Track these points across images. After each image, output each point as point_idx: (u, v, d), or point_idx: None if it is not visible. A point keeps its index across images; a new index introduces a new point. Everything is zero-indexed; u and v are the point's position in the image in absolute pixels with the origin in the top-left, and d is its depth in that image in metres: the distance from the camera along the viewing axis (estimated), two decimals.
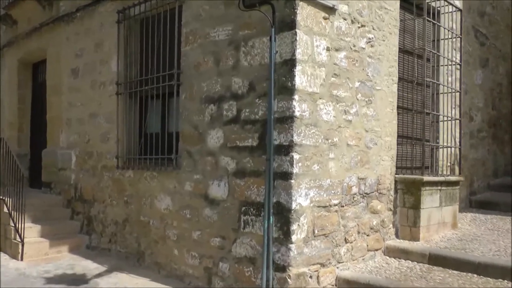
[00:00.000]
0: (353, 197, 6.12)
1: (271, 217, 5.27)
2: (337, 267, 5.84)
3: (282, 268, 5.22)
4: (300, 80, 5.30)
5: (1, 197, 8.51)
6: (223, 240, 5.86)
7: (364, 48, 6.29)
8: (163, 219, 6.70)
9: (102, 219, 7.94)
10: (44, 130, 10.52)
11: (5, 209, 8.36)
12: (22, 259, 7.53)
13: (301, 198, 5.31)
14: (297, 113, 5.25)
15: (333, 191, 5.77)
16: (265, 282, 5.23)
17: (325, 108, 5.66)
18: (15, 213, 7.99)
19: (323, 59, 5.62)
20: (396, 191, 6.88)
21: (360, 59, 6.22)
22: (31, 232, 7.87)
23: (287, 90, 5.27)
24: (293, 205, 5.21)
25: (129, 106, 7.50)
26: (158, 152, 6.91)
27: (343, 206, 5.94)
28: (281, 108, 5.29)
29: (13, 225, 7.90)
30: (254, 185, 5.55)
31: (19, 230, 7.64)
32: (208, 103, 6.11)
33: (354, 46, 6.12)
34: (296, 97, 5.24)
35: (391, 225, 6.83)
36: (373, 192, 6.43)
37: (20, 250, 7.52)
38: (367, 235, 6.38)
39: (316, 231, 5.53)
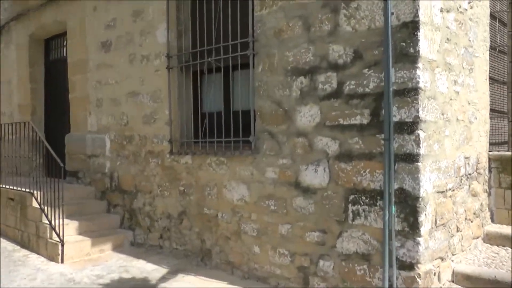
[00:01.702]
0: (461, 179, 5.23)
1: (392, 207, 4.34)
2: (452, 260, 4.91)
3: (409, 265, 4.35)
4: (423, 45, 4.29)
5: (29, 191, 7.29)
6: (323, 235, 4.89)
7: (466, 10, 5.32)
8: (236, 211, 5.68)
9: (150, 212, 6.86)
10: (63, 113, 9.40)
11: (35, 204, 7.19)
12: (62, 261, 6.50)
13: (427, 184, 4.43)
14: (421, 84, 4.29)
15: (448, 174, 4.91)
16: (387, 282, 4.32)
17: (441, 78, 4.72)
18: (48, 208, 6.79)
19: (439, 21, 4.70)
20: (490, 170, 5.93)
21: (464, 22, 5.27)
22: (68, 229, 6.84)
23: (409, 58, 4.34)
24: (421, 192, 4.29)
25: (182, 82, 6.33)
26: (222, 134, 5.93)
27: (453, 190, 5.04)
28: (401, 79, 4.34)
29: (47, 222, 6.80)
30: (365, 170, 4.61)
31: (57, 228, 6.52)
32: (296, 75, 5.09)
33: (460, 7, 5.20)
34: (420, 65, 4.32)
35: (487, 209, 5.92)
36: (473, 173, 5.55)
37: (59, 251, 6.48)
38: (471, 221, 5.48)
39: (438, 221, 4.66)
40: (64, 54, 9.78)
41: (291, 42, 5.19)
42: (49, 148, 7.06)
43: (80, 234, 7.02)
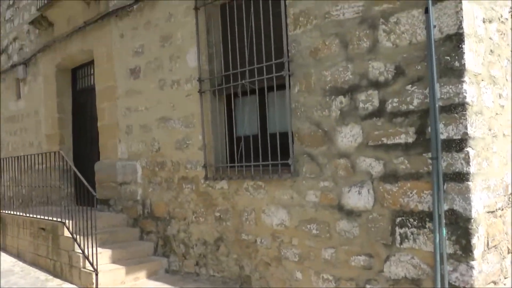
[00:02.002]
0: (509, 198, 4.96)
1: (443, 229, 4.16)
2: (504, 284, 4.67)
3: None
4: (468, 58, 4.14)
5: (60, 220, 7.21)
6: (369, 259, 4.71)
7: (507, 19, 5.14)
8: (276, 236, 5.52)
9: (184, 239, 6.73)
10: (92, 141, 9.38)
11: (67, 233, 7.11)
12: None
13: (478, 204, 4.24)
14: (468, 99, 4.13)
15: (497, 192, 4.71)
16: None
17: (486, 92, 4.55)
18: (80, 237, 6.70)
19: (482, 32, 4.56)
20: None
21: (506, 32, 5.09)
22: (102, 258, 6.74)
23: (454, 72, 4.20)
24: (473, 213, 4.09)
25: (215, 105, 6.24)
26: (258, 157, 5.82)
27: (502, 210, 4.81)
28: (447, 94, 4.19)
29: (80, 251, 6.70)
30: (412, 191, 4.44)
31: (90, 257, 6.43)
32: (335, 95, 4.95)
33: (501, 16, 5.03)
34: (466, 79, 4.16)
35: None
36: None
37: (94, 281, 6.37)
38: None
39: (489, 243, 4.44)
40: (91, 83, 9.81)
41: (328, 61, 5.07)
42: (80, 176, 7.00)
43: (113, 262, 6.91)
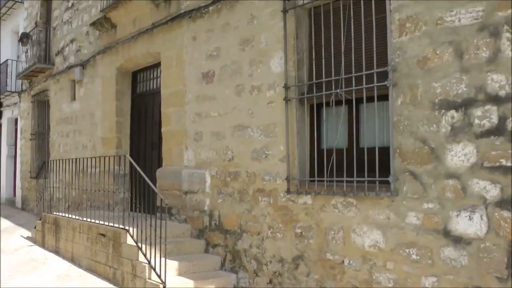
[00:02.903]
0: None
1: None
2: None
3: None
4: None
5: (123, 227, 6.99)
6: None
7: None
8: (368, 259, 5.16)
9: (257, 254, 6.42)
10: (152, 147, 9.27)
11: (130, 241, 6.88)
12: None
13: None
14: None
15: None
16: None
17: None
18: (144, 246, 6.45)
19: None
20: None
21: None
22: (167, 269, 6.40)
23: None
24: None
25: (300, 115, 5.93)
26: (347, 172, 5.52)
27: None
28: None
29: (145, 261, 6.43)
30: None
31: (157, 268, 6.13)
32: (446, 109, 4.59)
33: None
34: None
35: None
36: None
37: None
38: None
39: None
40: (153, 87, 9.67)
41: (439, 71, 4.72)
42: (150, 183, 6.77)
43: (180, 275, 6.65)
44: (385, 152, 5.22)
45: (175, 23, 8.24)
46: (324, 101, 5.70)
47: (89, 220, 8.17)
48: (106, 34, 10.56)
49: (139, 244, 6.72)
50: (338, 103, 5.76)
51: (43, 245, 10.14)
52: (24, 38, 14.51)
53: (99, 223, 7.85)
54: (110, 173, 8.82)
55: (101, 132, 10.90)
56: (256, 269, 6.56)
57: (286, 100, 6.08)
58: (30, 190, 15.59)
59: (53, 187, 10.01)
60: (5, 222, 13.62)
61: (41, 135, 14.80)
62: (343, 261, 5.51)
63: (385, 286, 5.09)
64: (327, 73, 5.71)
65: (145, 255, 6.54)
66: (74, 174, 9.22)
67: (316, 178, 5.72)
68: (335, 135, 5.85)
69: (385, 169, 5.15)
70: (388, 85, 5.05)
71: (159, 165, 9.00)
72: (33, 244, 10.36)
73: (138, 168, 6.92)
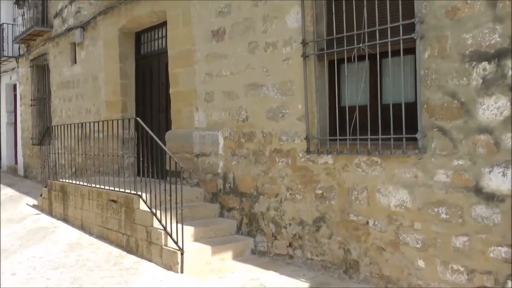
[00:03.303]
0: None
1: None
2: None
3: None
4: None
5: (135, 192, 6.88)
6: None
7: None
8: (394, 219, 5.06)
9: (275, 217, 6.33)
10: (159, 109, 9.17)
11: (143, 207, 6.79)
12: (182, 271, 6.05)
13: None
14: None
15: None
16: None
17: None
18: (159, 212, 6.35)
19: None
20: None
21: None
22: (184, 235, 6.24)
23: None
24: None
25: (319, 71, 5.75)
26: (369, 130, 5.35)
27: None
28: None
29: (161, 227, 6.34)
30: None
31: (174, 235, 6.07)
32: (477, 61, 4.44)
33: None
34: None
35: None
36: None
37: (179, 260, 6.05)
38: None
39: None
40: (159, 47, 9.46)
41: (470, 21, 4.53)
42: (163, 146, 6.68)
43: (196, 240, 6.57)
44: (410, 108, 5.06)
45: None
46: (345, 57, 5.47)
47: (98, 186, 8.04)
48: None
49: (153, 210, 6.60)
50: (359, 58, 5.55)
51: (50, 213, 10.08)
52: (20, 0, 14.13)
53: (109, 189, 7.74)
54: (117, 137, 8.67)
55: (105, 95, 10.72)
56: (275, 232, 6.48)
57: (304, 56, 5.89)
58: (32, 157, 15.48)
59: (58, 153, 9.87)
60: (9, 190, 13.56)
61: (41, 101, 14.60)
62: (367, 222, 5.42)
63: (413, 246, 5.01)
64: (348, 27, 5.49)
65: (160, 221, 6.45)
66: (79, 139, 9.07)
67: (338, 137, 5.57)
68: (356, 92, 5.67)
69: (410, 126, 5.00)
70: (415, 37, 4.86)
71: (167, 128, 8.86)
72: (40, 212, 10.31)
73: (150, 131, 6.77)
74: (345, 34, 5.45)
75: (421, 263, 4.96)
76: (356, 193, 5.50)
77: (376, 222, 5.33)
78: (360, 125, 5.48)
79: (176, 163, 6.24)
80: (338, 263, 5.73)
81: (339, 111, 5.79)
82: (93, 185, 8.20)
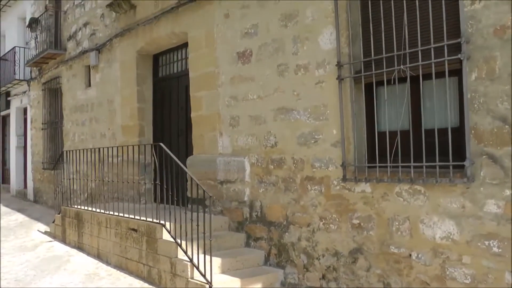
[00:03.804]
0: None
1: None
2: None
3: None
4: None
5: (158, 221, 6.70)
6: None
7: None
8: (440, 252, 4.85)
9: (307, 248, 6.12)
10: (179, 134, 9.08)
11: (166, 236, 6.61)
12: None
13: None
14: None
15: None
16: None
17: None
18: (185, 242, 6.16)
19: None
20: None
21: None
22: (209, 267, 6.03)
23: None
24: None
25: (356, 95, 5.58)
26: (409, 157, 5.17)
27: None
28: None
29: (187, 259, 6.13)
30: None
31: (201, 267, 5.93)
32: None
33: None
34: None
35: None
36: None
37: None
38: None
39: None
40: (177, 70, 9.38)
41: None
42: (189, 172, 6.54)
43: (223, 272, 6.36)
44: (454, 134, 4.86)
45: (204, 1, 7.84)
46: (385, 79, 5.30)
47: (116, 214, 7.86)
48: (124, 16, 10.20)
49: (178, 240, 6.40)
50: (398, 80, 5.38)
51: (63, 240, 9.92)
52: (33, 24, 14.18)
53: (129, 217, 7.55)
54: (134, 162, 8.54)
55: (121, 119, 10.60)
56: (307, 263, 6.26)
57: (340, 79, 5.73)
58: (42, 181, 15.36)
59: (72, 179, 9.73)
60: (20, 216, 13.43)
61: (53, 124, 14.54)
62: (410, 255, 5.19)
63: (461, 282, 4.77)
64: (388, 48, 5.32)
65: (185, 252, 6.26)
66: (96, 164, 8.94)
67: (377, 164, 5.35)
68: (395, 116, 5.47)
69: (455, 153, 4.79)
70: (461, 58, 4.69)
71: (187, 153, 8.70)
72: (52, 240, 10.16)
73: (175, 158, 6.60)
74: (384, 55, 5.28)
75: None
76: (397, 223, 5.29)
77: (419, 255, 5.11)
78: (401, 151, 5.26)
79: (204, 191, 6.08)
80: None
81: (377, 137, 5.57)
82: (111, 212, 8.01)
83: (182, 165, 6.55)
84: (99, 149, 8.69)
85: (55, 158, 14.22)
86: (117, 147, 8.09)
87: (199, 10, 8.05)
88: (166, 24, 8.93)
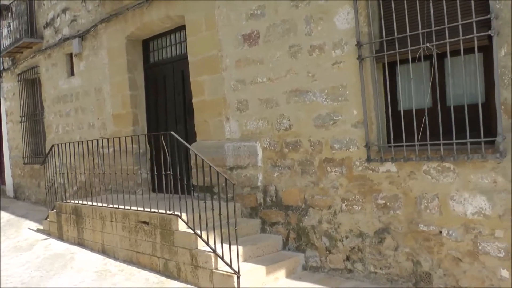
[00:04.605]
0: None
1: None
2: None
3: None
4: None
5: (173, 212, 6.77)
6: None
7: None
8: (471, 228, 5.06)
9: (329, 230, 6.29)
10: (178, 120, 9.14)
11: (183, 227, 6.68)
12: None
13: None
14: None
15: None
16: None
17: None
18: (205, 233, 6.27)
19: None
20: None
21: None
22: (232, 256, 6.12)
23: None
24: None
25: (376, 75, 5.73)
26: (435, 135, 5.34)
27: None
28: None
29: (209, 250, 6.21)
30: None
31: (225, 257, 5.93)
32: None
33: None
34: None
35: None
36: None
37: (235, 284, 5.94)
38: None
39: None
40: (171, 55, 9.40)
41: None
42: (204, 159, 6.52)
43: (245, 261, 6.46)
44: (474, 110, 5.04)
45: None
46: (410, 58, 5.43)
47: (122, 207, 7.87)
48: (110, 1, 10.08)
49: (198, 231, 6.48)
50: (420, 59, 5.51)
51: (60, 237, 9.90)
52: (4, 11, 13.83)
53: (137, 210, 7.56)
54: (129, 152, 8.56)
55: (111, 108, 10.55)
56: (329, 246, 6.41)
57: (360, 59, 5.83)
58: (23, 177, 15.19)
59: (67, 173, 9.71)
60: (4, 214, 13.24)
61: (32, 117, 14.32)
62: (440, 232, 5.38)
63: (495, 256, 4.98)
64: (412, 25, 5.45)
65: (207, 243, 6.32)
66: (93, 156, 8.95)
67: (404, 143, 5.50)
68: (420, 94, 5.62)
69: (478, 129, 4.95)
70: (492, 34, 4.83)
71: (187, 140, 8.71)
72: (48, 237, 10.12)
73: (190, 146, 6.67)
74: (408, 33, 5.40)
75: (504, 273, 4.94)
76: (425, 201, 5.46)
77: (450, 232, 5.30)
78: (428, 130, 5.42)
79: (226, 179, 6.18)
80: (406, 275, 5.67)
81: (398, 115, 5.72)
82: (116, 205, 8.01)
83: (199, 154, 6.59)
84: (97, 141, 8.66)
85: (37, 151, 14.08)
86: (125, 138, 7.98)
87: None
88: (159, 8, 8.89)
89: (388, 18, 5.69)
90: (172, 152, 7.08)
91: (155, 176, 8.15)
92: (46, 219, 10.63)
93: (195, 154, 6.82)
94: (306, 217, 6.68)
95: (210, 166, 6.39)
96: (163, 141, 6.92)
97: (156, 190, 9.48)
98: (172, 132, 6.94)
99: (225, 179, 6.17)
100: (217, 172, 6.27)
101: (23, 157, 14.87)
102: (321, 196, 6.48)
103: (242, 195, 7.53)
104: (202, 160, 6.51)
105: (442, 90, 5.47)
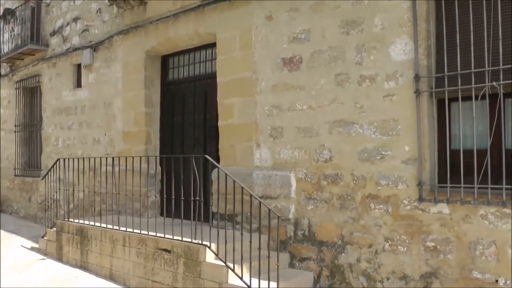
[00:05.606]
0: None
1: None
2: None
3: None
4: None
5: (200, 241, 6.66)
6: None
7: None
8: None
9: (368, 270, 6.24)
10: (196, 143, 9.16)
11: (210, 259, 6.55)
12: None
13: None
14: None
15: None
16: None
17: None
18: (238, 266, 6.19)
19: None
20: None
21: None
22: None
23: None
24: None
25: (432, 111, 5.73)
26: (498, 178, 5.38)
27: None
28: None
29: (243, 285, 6.11)
30: None
31: None
32: None
33: None
34: None
35: None
36: None
37: None
38: None
39: None
40: (194, 73, 9.38)
41: None
42: (245, 188, 6.45)
43: None
44: None
45: (238, 0, 7.83)
46: (473, 95, 5.45)
47: (138, 231, 7.71)
48: (130, 12, 10.05)
49: (230, 265, 6.35)
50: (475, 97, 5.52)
51: (59, 258, 9.66)
52: (7, 16, 13.71)
53: (156, 236, 7.41)
54: (138, 172, 8.44)
55: (122, 124, 10.43)
56: (367, 286, 6.32)
57: (418, 93, 5.82)
58: (12, 189, 14.92)
59: (72, 189, 9.56)
60: None
61: (28, 127, 14.11)
62: (496, 281, 5.34)
63: None
64: (478, 62, 5.46)
65: (241, 278, 6.19)
66: (106, 175, 8.84)
67: (462, 185, 5.48)
68: (478, 135, 5.62)
69: None
70: None
71: (205, 165, 8.58)
72: (45, 257, 9.86)
73: (226, 171, 6.53)
74: (472, 70, 5.41)
75: None
76: (481, 247, 5.42)
77: (508, 282, 5.24)
78: (480, 171, 5.41)
79: (269, 210, 6.16)
80: None
81: (454, 155, 5.70)
82: (130, 229, 7.85)
83: (237, 181, 6.46)
84: (112, 158, 8.53)
85: (31, 164, 13.85)
86: (147, 157, 7.91)
87: (232, 10, 8.03)
88: (187, 23, 8.86)
89: (453, 51, 5.68)
90: (187, 175, 6.96)
91: (165, 199, 7.96)
92: (43, 237, 10.38)
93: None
94: (343, 254, 6.60)
95: (242, 193, 6.28)
96: (194, 165, 6.77)
97: (164, 214, 9.30)
98: (207, 156, 6.83)
99: (269, 209, 6.06)
100: (259, 202, 6.17)
101: (15, 169, 14.62)
102: (362, 234, 6.41)
103: (270, 226, 7.39)
104: (234, 186, 6.36)
105: (499, 131, 5.46)
